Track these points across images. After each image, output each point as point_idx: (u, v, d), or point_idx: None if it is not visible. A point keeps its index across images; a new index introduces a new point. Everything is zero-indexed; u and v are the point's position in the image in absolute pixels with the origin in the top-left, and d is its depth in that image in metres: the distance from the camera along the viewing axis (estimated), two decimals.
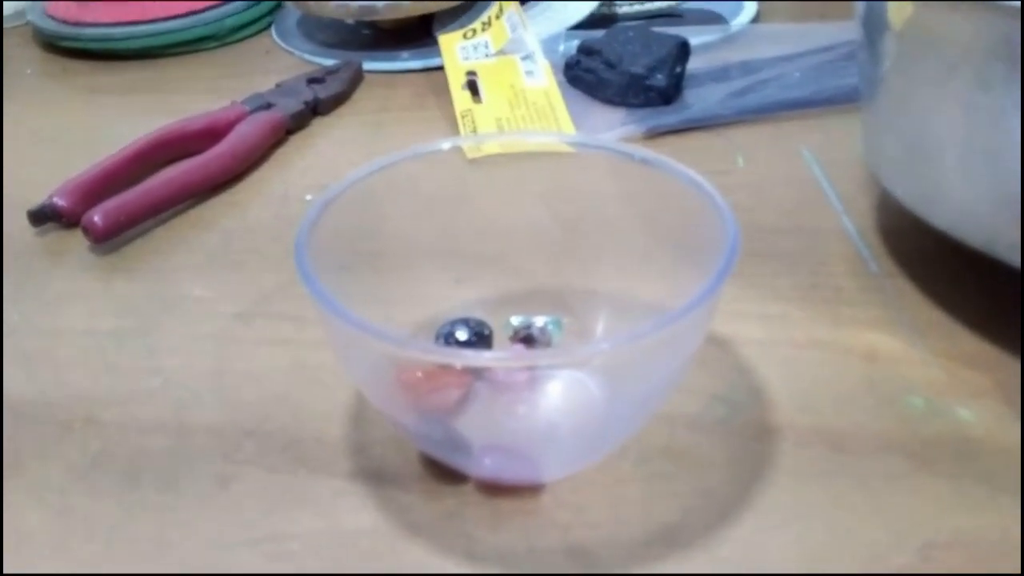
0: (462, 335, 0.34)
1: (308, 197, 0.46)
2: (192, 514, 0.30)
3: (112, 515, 0.30)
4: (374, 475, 0.31)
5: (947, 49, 0.32)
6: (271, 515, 0.30)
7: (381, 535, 0.29)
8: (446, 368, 0.32)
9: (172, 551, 0.29)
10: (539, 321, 0.36)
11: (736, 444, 0.32)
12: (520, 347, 0.35)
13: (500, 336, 0.35)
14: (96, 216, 0.42)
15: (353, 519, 0.30)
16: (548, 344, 0.35)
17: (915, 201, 0.36)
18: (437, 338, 0.34)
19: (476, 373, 0.33)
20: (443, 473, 0.31)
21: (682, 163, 0.33)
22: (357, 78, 0.56)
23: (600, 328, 0.35)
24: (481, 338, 0.34)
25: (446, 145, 0.35)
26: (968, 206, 0.33)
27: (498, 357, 0.32)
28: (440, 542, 0.29)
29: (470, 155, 0.45)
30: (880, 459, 0.31)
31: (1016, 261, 0.32)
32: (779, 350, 0.36)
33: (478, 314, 0.35)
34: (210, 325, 0.38)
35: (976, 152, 0.32)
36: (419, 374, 0.31)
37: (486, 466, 0.30)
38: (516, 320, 0.36)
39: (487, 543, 0.29)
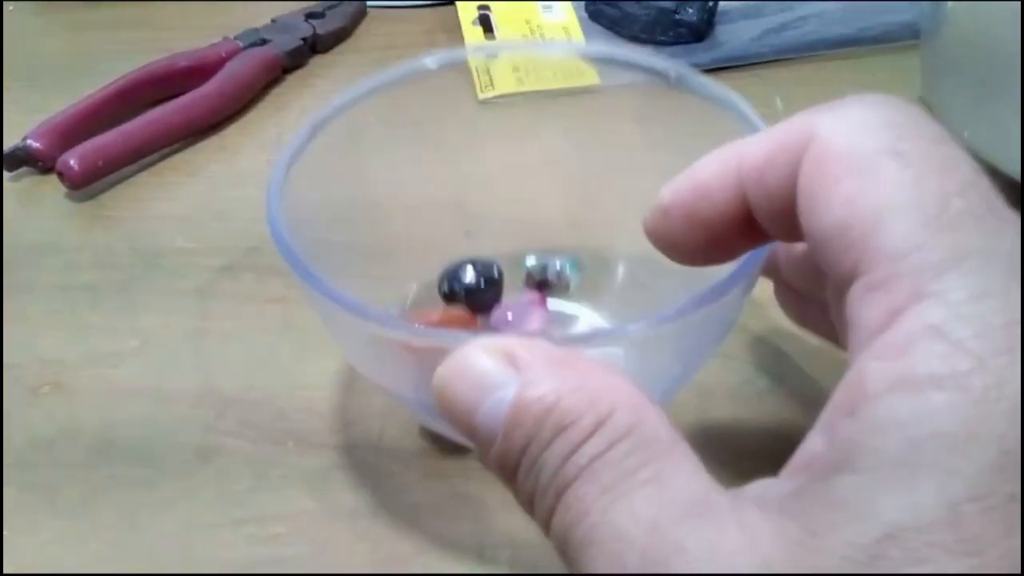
0: (468, 277, 0.30)
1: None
2: (168, 491, 0.27)
3: (80, 491, 0.27)
4: (371, 449, 0.28)
5: None
6: (256, 493, 0.27)
7: (378, 516, 0.26)
8: (453, 320, 0.29)
9: (145, 531, 0.26)
10: (556, 263, 0.31)
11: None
12: (535, 294, 0.31)
13: (514, 280, 0.31)
14: (72, 159, 0.38)
15: (346, 498, 0.27)
16: (566, 288, 0.31)
17: (985, 145, 0.32)
18: (441, 281, 0.30)
19: (485, 326, 0.29)
20: (447, 447, 0.28)
21: (710, 106, 0.29)
22: (360, 13, 0.52)
23: (621, 271, 0.31)
24: (489, 283, 0.30)
25: (432, 64, 0.30)
26: None
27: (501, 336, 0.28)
28: (445, 526, 0.26)
29: (482, 96, 0.41)
30: None
31: None
32: None
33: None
34: (194, 279, 0.35)
35: None
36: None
37: None
38: (531, 260, 0.32)
39: (497, 528, 0.26)
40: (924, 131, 0.18)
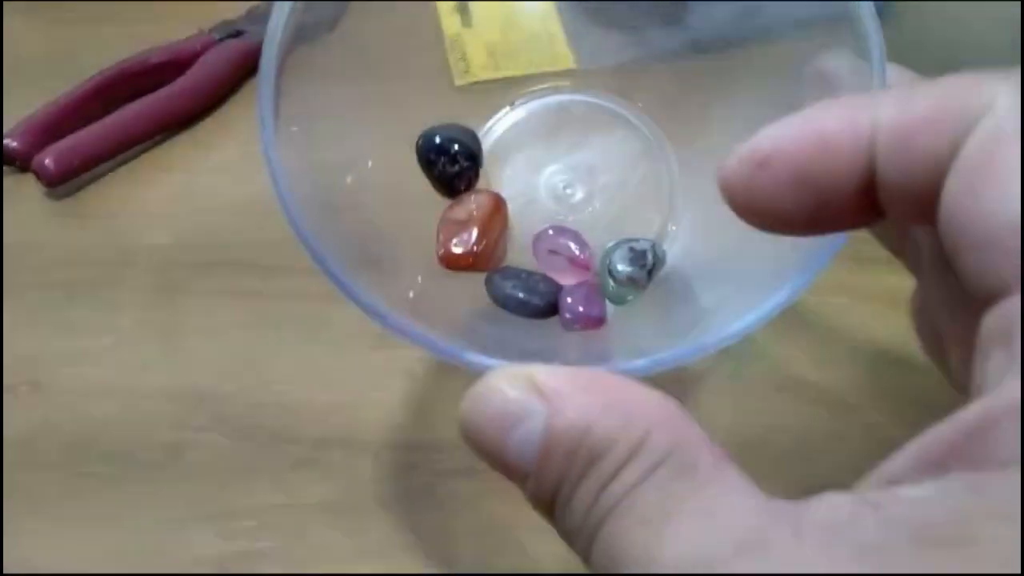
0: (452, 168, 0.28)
1: (293, 128, 0.42)
2: (141, 487, 0.28)
3: (55, 488, 0.28)
4: (340, 443, 0.28)
5: None
6: (226, 487, 0.27)
7: (347, 510, 0.27)
8: (484, 212, 0.27)
9: (117, 527, 0.27)
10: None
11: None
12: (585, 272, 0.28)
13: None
14: (48, 159, 0.39)
15: (316, 492, 0.27)
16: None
17: None
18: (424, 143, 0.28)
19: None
20: (415, 442, 0.28)
21: (691, 88, 0.29)
22: (342, 3, 0.52)
23: None
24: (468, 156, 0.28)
25: None
26: None
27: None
28: (413, 519, 0.26)
29: (459, 83, 0.41)
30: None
31: None
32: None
33: None
34: (169, 276, 0.35)
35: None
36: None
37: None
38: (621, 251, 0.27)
39: (465, 521, 0.26)
40: None
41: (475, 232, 0.26)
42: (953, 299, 0.17)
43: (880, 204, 0.17)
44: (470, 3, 0.50)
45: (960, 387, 0.16)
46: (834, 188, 0.17)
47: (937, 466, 0.14)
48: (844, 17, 0.23)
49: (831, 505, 0.14)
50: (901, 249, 0.22)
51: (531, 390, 0.16)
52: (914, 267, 0.22)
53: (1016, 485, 0.12)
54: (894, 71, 0.21)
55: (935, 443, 0.14)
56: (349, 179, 0.30)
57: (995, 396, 0.14)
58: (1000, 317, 0.14)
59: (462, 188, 0.28)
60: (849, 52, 0.23)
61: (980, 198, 0.15)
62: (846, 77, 0.22)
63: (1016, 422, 0.13)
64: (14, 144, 0.41)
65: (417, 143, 0.28)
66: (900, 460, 0.14)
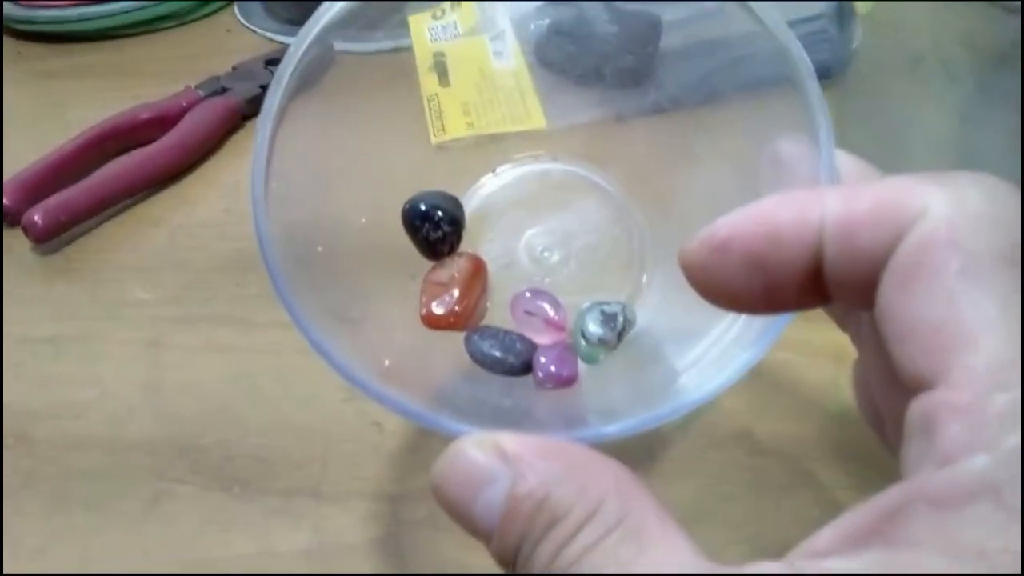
0: (435, 233, 0.29)
1: (274, 184, 0.44)
2: (119, 535, 0.29)
3: (38, 536, 0.29)
4: (309, 494, 0.30)
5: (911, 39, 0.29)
6: (201, 536, 0.29)
7: (313, 558, 0.28)
8: (465, 275, 0.29)
9: (97, 572, 0.28)
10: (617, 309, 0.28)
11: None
12: (559, 333, 0.29)
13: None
14: (36, 216, 0.40)
15: (286, 540, 0.29)
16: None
17: None
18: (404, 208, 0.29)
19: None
20: (382, 493, 0.30)
21: (657, 151, 0.31)
22: (327, 59, 0.54)
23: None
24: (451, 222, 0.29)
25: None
26: None
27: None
28: (376, 567, 0.28)
29: (435, 140, 0.42)
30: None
31: None
32: None
33: None
34: (151, 331, 0.37)
35: (943, 146, 0.30)
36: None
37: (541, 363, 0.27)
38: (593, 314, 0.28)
39: (426, 566, 0.28)
40: None
41: (456, 293, 0.28)
42: (889, 377, 0.19)
43: (826, 289, 0.18)
44: (447, 62, 0.52)
45: (895, 453, 0.18)
46: (784, 274, 0.18)
47: (858, 543, 0.15)
48: (794, 91, 0.26)
49: (764, 572, 0.15)
50: (846, 326, 0.24)
51: (497, 456, 0.17)
52: (856, 343, 0.24)
53: (920, 563, 0.14)
54: (843, 157, 0.23)
55: (858, 522, 0.16)
56: (322, 247, 0.31)
57: (910, 483, 0.15)
58: (922, 408, 0.16)
59: (445, 252, 0.30)
60: (803, 137, 0.24)
61: (911, 297, 0.16)
62: (798, 162, 0.24)
63: (926, 510, 0.15)
64: (5, 201, 0.42)
65: (403, 209, 0.29)
66: (827, 535, 0.16)
